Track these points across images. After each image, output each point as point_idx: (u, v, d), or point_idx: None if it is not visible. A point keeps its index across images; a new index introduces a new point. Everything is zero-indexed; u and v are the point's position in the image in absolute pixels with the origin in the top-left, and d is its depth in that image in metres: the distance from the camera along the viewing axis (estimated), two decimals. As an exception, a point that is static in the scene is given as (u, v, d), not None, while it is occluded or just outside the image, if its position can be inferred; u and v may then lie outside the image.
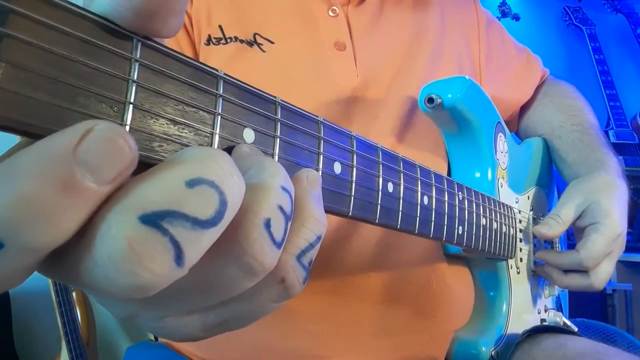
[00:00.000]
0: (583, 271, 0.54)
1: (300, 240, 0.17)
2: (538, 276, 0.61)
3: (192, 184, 0.13)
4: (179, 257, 0.13)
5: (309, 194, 0.18)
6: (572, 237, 0.60)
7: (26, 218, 0.11)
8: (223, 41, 0.51)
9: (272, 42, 0.51)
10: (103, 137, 0.12)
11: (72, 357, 1.24)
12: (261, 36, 0.51)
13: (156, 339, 0.66)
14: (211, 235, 0.14)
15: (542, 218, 0.66)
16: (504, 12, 2.22)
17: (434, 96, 0.47)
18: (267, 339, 0.48)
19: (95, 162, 0.12)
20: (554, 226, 0.54)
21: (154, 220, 0.12)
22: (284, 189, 0.16)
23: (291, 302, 0.46)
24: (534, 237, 0.62)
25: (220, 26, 0.51)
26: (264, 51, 0.51)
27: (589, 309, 1.69)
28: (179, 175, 0.13)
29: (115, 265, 0.12)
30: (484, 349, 0.50)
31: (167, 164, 0.14)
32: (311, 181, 0.19)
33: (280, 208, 0.15)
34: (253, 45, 0.51)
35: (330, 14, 0.54)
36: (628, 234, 0.58)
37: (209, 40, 0.51)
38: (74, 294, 1.31)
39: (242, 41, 0.51)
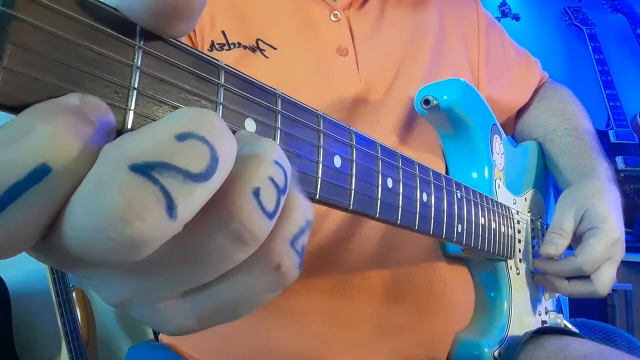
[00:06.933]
0: (585, 278, 0.54)
1: (291, 226, 0.17)
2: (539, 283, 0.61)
3: (182, 137, 0.13)
4: (170, 207, 0.13)
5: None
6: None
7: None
8: (226, 47, 0.50)
9: (275, 48, 0.51)
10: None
11: (72, 357, 1.24)
12: (264, 42, 0.51)
13: (157, 339, 0.66)
14: (204, 191, 0.14)
15: (540, 220, 0.66)
16: (504, 12, 2.22)
17: (430, 98, 0.48)
18: (266, 340, 0.47)
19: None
20: (559, 243, 0.54)
21: (144, 169, 0.13)
22: (277, 162, 0.16)
23: (291, 301, 0.46)
24: (533, 238, 0.62)
25: (223, 32, 0.51)
26: (266, 57, 0.51)
27: (589, 309, 1.69)
28: (168, 130, 0.13)
29: (105, 213, 0.12)
30: (486, 349, 0.49)
31: (157, 121, 0.14)
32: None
33: (272, 179, 0.15)
34: (256, 51, 0.51)
35: (332, 18, 0.54)
36: (628, 234, 0.58)
37: (212, 47, 0.51)
38: (74, 294, 1.32)
39: (245, 47, 0.50)
